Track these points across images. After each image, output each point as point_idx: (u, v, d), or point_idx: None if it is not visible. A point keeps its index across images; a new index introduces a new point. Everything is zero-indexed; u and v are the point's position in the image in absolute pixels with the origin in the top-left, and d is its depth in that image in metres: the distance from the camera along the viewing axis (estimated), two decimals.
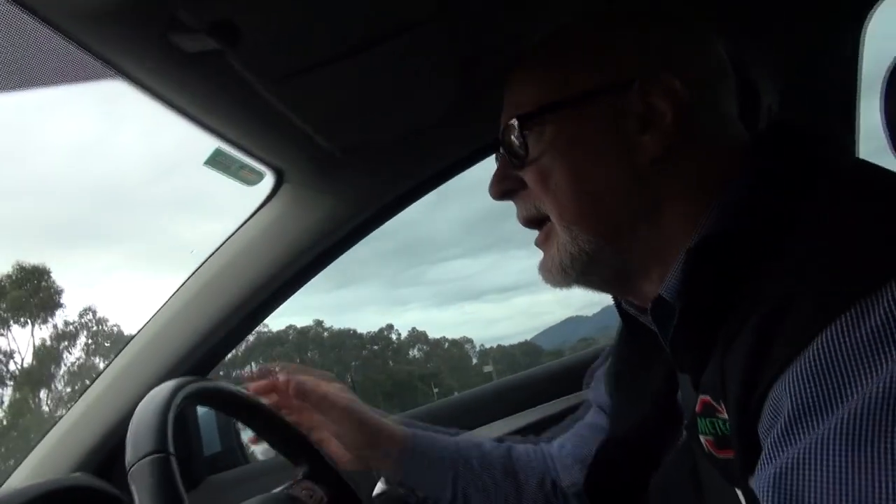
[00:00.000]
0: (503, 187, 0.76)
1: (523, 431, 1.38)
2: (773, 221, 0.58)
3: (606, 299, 0.82)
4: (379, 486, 1.38)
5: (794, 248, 0.54)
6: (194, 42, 0.70)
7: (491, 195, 0.77)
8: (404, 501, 1.36)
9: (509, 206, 0.77)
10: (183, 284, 1.24)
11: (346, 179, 1.17)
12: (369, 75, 0.86)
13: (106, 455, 1.22)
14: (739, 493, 0.57)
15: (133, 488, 0.62)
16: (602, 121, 0.67)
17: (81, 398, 1.23)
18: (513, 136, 0.70)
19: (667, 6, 0.69)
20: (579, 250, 0.69)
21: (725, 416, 0.56)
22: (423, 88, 0.96)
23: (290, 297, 1.30)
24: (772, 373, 0.48)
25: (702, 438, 0.60)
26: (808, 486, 0.44)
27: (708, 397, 0.58)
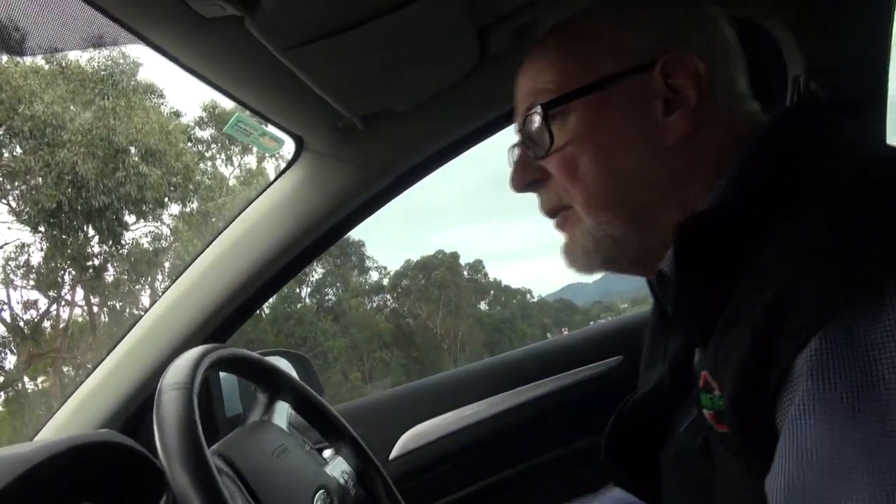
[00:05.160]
0: (526, 179, 0.72)
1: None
2: (771, 197, 0.56)
3: None
4: (395, 450, 1.41)
5: (795, 226, 0.52)
6: (213, 7, 0.70)
7: (513, 187, 0.73)
8: (421, 466, 1.39)
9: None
10: (206, 248, 1.26)
11: (365, 147, 1.17)
12: (387, 42, 0.85)
13: (133, 413, 1.25)
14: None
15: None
16: (627, 105, 0.66)
17: (108, 357, 1.26)
18: (535, 125, 0.67)
19: None
20: (605, 234, 0.67)
21: (720, 392, 0.55)
22: (441, 56, 0.95)
23: (309, 263, 1.31)
24: (786, 356, 0.47)
25: (705, 412, 0.60)
26: (826, 473, 0.43)
27: (706, 373, 0.58)
